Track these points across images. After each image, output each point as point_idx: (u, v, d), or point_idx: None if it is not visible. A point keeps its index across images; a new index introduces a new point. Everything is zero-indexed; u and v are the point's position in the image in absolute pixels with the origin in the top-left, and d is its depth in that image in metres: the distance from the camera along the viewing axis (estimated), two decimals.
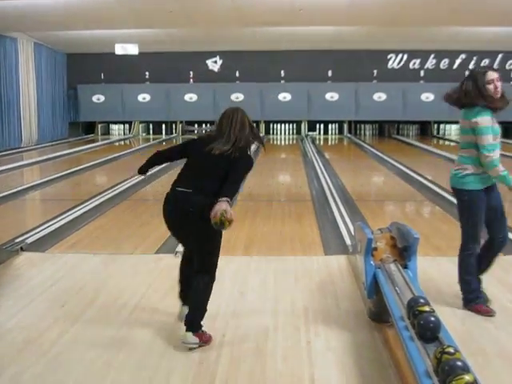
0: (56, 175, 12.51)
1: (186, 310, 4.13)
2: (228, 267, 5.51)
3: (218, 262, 4.15)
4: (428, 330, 2.96)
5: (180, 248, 6.20)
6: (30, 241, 6.72)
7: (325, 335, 4.09)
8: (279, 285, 5.26)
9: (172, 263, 5.84)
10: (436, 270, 5.63)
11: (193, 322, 3.95)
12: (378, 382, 3.47)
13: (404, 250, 4.25)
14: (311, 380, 3.49)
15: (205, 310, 4.01)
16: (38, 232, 7.19)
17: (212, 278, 4.05)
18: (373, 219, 7.83)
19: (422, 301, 3.23)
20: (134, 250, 6.51)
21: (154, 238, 6.99)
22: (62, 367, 3.67)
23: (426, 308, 3.13)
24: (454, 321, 4.23)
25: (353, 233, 6.60)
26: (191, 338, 3.90)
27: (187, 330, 3.92)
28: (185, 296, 4.31)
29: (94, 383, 3.48)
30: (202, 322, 3.98)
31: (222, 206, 3.73)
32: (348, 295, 4.88)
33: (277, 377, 3.54)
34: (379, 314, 4.11)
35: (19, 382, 3.47)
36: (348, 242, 6.51)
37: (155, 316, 4.48)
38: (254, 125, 4.26)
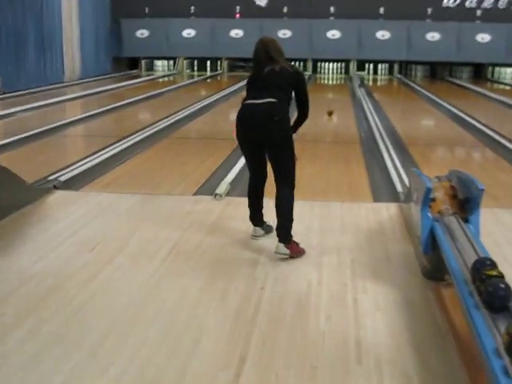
0: (97, 110, 12.22)
1: (259, 230, 4.63)
2: (270, 211, 5.16)
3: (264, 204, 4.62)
4: (497, 299, 2.56)
5: (220, 190, 5.89)
6: (64, 178, 6.44)
7: (373, 293, 3.71)
8: (324, 233, 4.89)
9: (210, 207, 5.55)
10: (494, 223, 5.17)
11: (284, 234, 4.23)
12: (432, 349, 3.09)
13: (465, 202, 3.82)
14: (358, 343, 3.13)
15: (292, 220, 4.31)
16: (74, 169, 6.90)
17: (293, 187, 4.41)
18: (425, 165, 7.35)
19: (488, 263, 2.82)
20: (172, 190, 6.20)
21: (194, 178, 6.68)
22: (85, 319, 3.39)
23: (495, 272, 2.72)
24: None
25: (405, 179, 6.18)
26: (283, 249, 4.18)
27: (280, 241, 4.21)
28: (255, 219, 4.66)
29: (116, 339, 3.18)
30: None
31: None
32: (399, 248, 4.48)
33: (319, 338, 3.18)
34: (435, 272, 3.72)
35: (37, 335, 3.20)
36: (399, 188, 6.06)
37: (186, 267, 4.15)
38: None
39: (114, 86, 18.00)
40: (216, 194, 5.81)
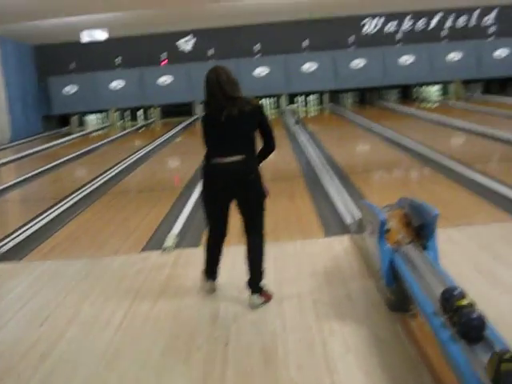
0: (32, 173, 11.90)
1: (213, 284, 4.49)
2: (222, 261, 5.02)
3: None
4: (473, 329, 2.48)
5: (167, 243, 5.73)
6: (5, 249, 6.18)
7: (341, 333, 3.60)
8: (281, 276, 4.76)
9: (160, 262, 5.36)
10: (448, 243, 5.13)
11: (257, 284, 4.19)
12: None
13: (420, 229, 3.77)
14: None
15: (264, 270, 4.24)
16: (14, 238, 6.63)
17: (264, 238, 4.32)
18: (370, 191, 7.39)
19: (457, 292, 2.74)
20: (119, 250, 5.99)
21: (139, 233, 6.49)
22: None
23: (465, 302, 2.65)
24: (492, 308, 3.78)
25: (353, 209, 6.13)
26: (258, 299, 4.15)
27: (253, 293, 4.17)
28: (214, 272, 4.52)
29: None
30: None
31: None
32: (359, 284, 4.39)
33: None
34: (400, 303, 3.63)
35: None
36: (348, 219, 6.02)
37: (144, 331, 3.96)
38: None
39: (46, 146, 17.65)
40: (164, 248, 5.63)
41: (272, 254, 5.24)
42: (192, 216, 6.84)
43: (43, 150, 17.00)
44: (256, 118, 4.12)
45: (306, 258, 5.15)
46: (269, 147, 4.28)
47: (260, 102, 4.19)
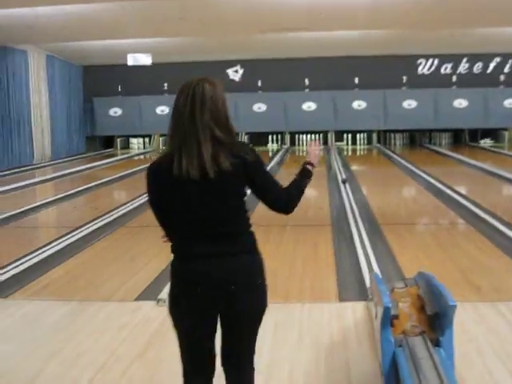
0: (59, 195, 11.56)
1: None
2: None
3: None
4: None
5: (164, 294, 5.16)
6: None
7: None
8: (278, 346, 4.16)
9: (150, 315, 4.82)
10: (477, 323, 4.47)
11: None
12: None
13: (435, 318, 3.12)
14: None
15: None
16: (8, 271, 6.19)
17: (254, 368, 2.80)
18: (400, 250, 6.71)
19: None
20: (113, 295, 5.46)
21: (140, 277, 5.97)
22: None
23: None
24: None
25: (367, 281, 5.43)
26: None
27: None
28: None
29: None
30: None
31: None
32: (364, 369, 3.73)
33: None
34: None
35: None
36: (368, 283, 5.37)
37: None
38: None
39: (85, 167, 17.44)
40: (159, 300, 5.08)
41: (274, 317, 4.65)
42: None
43: (82, 170, 16.78)
44: (250, 176, 2.60)
45: (312, 326, 4.52)
46: (274, 208, 2.70)
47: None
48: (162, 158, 2.62)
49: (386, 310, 2.99)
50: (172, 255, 2.67)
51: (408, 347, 2.95)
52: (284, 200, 2.68)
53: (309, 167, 2.84)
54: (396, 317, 3.12)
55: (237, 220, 2.62)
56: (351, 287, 5.47)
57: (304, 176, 2.80)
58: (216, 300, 2.58)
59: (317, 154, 2.93)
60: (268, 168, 2.16)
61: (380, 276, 4.10)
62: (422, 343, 2.97)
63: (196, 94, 2.56)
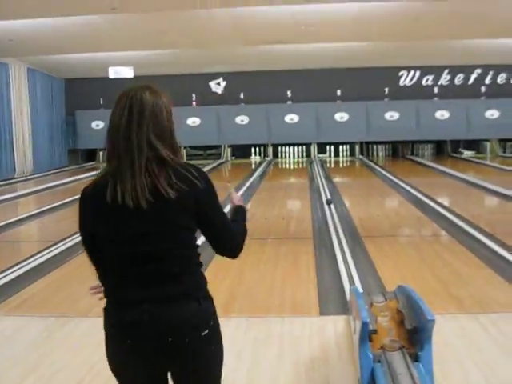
0: (39, 209, 11.47)
1: None
2: None
3: None
4: None
5: None
6: None
7: None
8: (257, 362, 4.11)
9: None
10: (458, 336, 4.45)
11: None
12: None
13: (414, 333, 3.10)
14: None
15: None
16: None
17: None
18: (381, 262, 6.70)
19: None
20: (92, 310, 5.38)
21: None
22: None
23: None
24: None
25: (348, 295, 5.40)
26: None
27: None
28: None
29: None
30: None
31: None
32: (343, 381, 3.72)
33: None
34: None
35: None
36: (348, 296, 5.34)
37: None
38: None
39: (67, 180, 17.31)
40: None
41: (254, 332, 4.62)
42: None
43: (64, 183, 16.66)
44: (198, 208, 2.20)
45: (292, 340, 4.48)
46: (223, 250, 2.35)
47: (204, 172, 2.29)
48: (99, 180, 2.20)
49: (364, 325, 2.96)
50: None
51: (387, 362, 2.93)
52: (234, 244, 2.33)
53: (242, 206, 2.52)
54: (374, 331, 3.10)
55: (181, 258, 2.19)
56: (333, 300, 5.44)
57: (242, 216, 2.46)
58: (154, 357, 2.15)
59: (239, 198, 2.58)
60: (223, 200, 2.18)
61: (360, 290, 4.07)
62: (401, 358, 2.95)
63: (133, 105, 2.19)
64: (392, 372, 2.82)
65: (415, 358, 2.98)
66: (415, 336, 3.09)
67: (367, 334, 3.00)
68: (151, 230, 2.14)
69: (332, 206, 10.43)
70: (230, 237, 2.30)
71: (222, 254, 2.34)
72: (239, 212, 2.46)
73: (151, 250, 2.15)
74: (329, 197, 7.86)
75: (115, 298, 2.23)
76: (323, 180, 15.08)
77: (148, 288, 2.15)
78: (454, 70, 22.15)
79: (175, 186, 2.11)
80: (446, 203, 10.96)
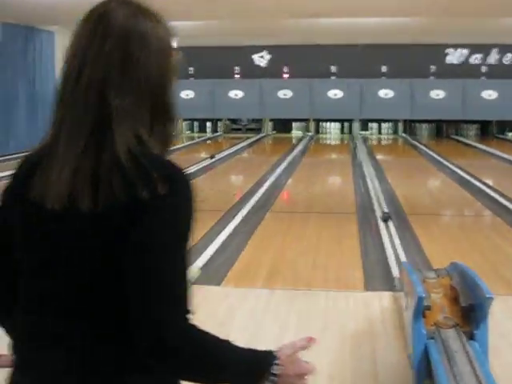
0: None
1: None
2: (241, 306, 4.38)
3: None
4: None
5: None
6: None
7: None
8: (301, 335, 4.03)
9: None
10: (508, 318, 4.33)
11: None
12: None
13: (469, 311, 3.00)
14: None
15: None
16: None
17: None
18: (428, 240, 6.56)
19: None
20: None
21: None
22: None
23: None
24: None
25: (394, 271, 5.29)
26: None
27: None
28: None
29: None
30: None
31: None
32: (391, 360, 3.63)
33: None
34: None
35: None
36: (395, 272, 5.23)
37: None
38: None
39: None
40: None
41: (298, 304, 4.56)
42: (223, 247, 6.12)
43: None
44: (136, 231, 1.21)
45: (336, 315, 4.42)
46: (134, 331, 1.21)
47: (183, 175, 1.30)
48: (27, 159, 1.37)
49: (420, 300, 2.87)
50: None
51: (441, 340, 2.83)
52: (163, 333, 1.19)
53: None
54: (428, 308, 3.00)
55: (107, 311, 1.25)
56: (378, 277, 5.35)
57: (241, 357, 1.24)
58: None
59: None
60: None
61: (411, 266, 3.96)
62: (456, 336, 2.85)
63: (97, 29, 1.27)
64: (446, 349, 2.73)
65: (470, 337, 2.88)
66: (470, 314, 2.98)
67: (422, 309, 2.90)
68: (73, 254, 1.25)
69: (376, 183, 10.27)
70: (166, 311, 1.19)
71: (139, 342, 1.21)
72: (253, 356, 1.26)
73: (63, 286, 1.25)
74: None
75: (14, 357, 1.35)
76: (366, 156, 14.86)
77: (56, 347, 1.25)
78: (504, 49, 21.58)
79: (127, 187, 1.22)
80: (491, 183, 10.70)
